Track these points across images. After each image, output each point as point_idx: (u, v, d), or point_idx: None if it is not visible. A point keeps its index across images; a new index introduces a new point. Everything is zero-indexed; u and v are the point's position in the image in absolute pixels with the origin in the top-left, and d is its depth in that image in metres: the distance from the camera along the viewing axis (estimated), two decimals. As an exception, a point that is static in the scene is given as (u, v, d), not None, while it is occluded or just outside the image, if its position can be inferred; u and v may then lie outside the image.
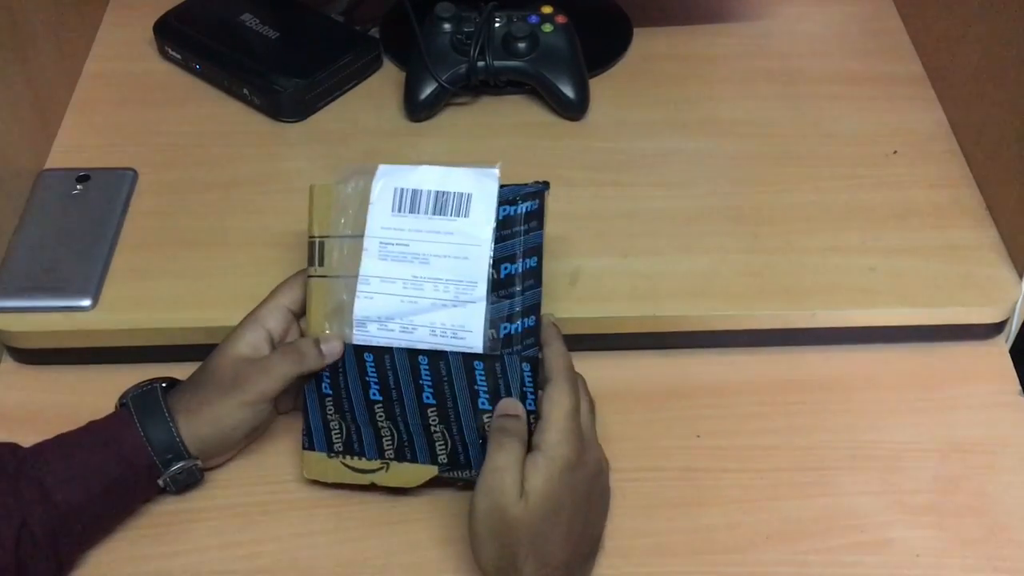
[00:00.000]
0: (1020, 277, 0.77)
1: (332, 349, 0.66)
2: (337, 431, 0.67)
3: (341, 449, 0.67)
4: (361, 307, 0.66)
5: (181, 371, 0.70)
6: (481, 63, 0.88)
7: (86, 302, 0.75)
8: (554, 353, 0.65)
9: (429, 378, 0.66)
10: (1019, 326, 0.78)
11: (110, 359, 0.75)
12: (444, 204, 0.66)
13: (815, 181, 0.85)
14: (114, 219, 0.81)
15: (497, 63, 0.88)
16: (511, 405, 0.64)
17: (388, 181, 0.67)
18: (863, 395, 0.75)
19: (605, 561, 0.65)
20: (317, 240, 0.67)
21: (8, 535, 0.59)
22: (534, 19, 0.90)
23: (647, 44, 0.98)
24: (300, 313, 0.69)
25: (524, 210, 0.66)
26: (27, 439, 0.65)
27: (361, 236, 0.67)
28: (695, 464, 0.71)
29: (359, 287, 0.66)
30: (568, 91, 0.89)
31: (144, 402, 0.66)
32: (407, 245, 0.66)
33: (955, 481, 0.70)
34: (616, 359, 0.75)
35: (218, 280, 0.77)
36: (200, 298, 0.76)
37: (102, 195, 0.83)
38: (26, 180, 0.83)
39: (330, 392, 0.67)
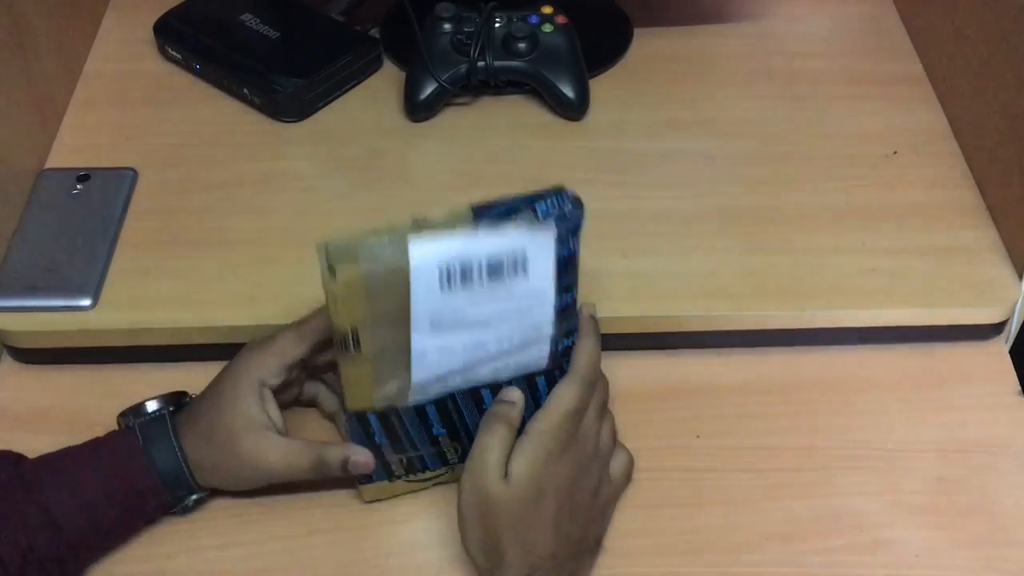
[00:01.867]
0: (1020, 277, 0.77)
1: (358, 468, 0.64)
2: (396, 463, 0.66)
3: (403, 473, 0.67)
4: (418, 375, 0.61)
5: (180, 371, 0.70)
6: (481, 63, 0.88)
7: (86, 302, 0.75)
8: (581, 349, 0.64)
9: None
10: (1019, 326, 0.78)
11: (110, 359, 0.75)
12: (498, 270, 0.58)
13: (815, 181, 0.85)
14: (114, 219, 0.81)
15: (497, 63, 0.88)
16: (509, 392, 0.63)
17: (426, 258, 0.57)
18: (863, 395, 0.75)
19: (605, 561, 0.65)
20: (349, 329, 0.59)
21: (15, 560, 0.59)
22: (534, 19, 0.90)
23: (647, 44, 0.98)
24: (300, 365, 0.67)
25: (575, 245, 0.61)
26: (27, 439, 0.65)
27: (401, 317, 0.58)
28: (695, 464, 0.71)
29: (413, 361, 0.60)
30: (568, 91, 0.89)
31: (153, 433, 0.64)
32: (463, 315, 0.59)
33: (955, 481, 0.70)
34: (616, 359, 0.74)
35: (218, 280, 0.77)
36: (200, 298, 0.76)
37: (102, 195, 0.83)
38: (26, 180, 0.83)
39: (385, 439, 0.64)
